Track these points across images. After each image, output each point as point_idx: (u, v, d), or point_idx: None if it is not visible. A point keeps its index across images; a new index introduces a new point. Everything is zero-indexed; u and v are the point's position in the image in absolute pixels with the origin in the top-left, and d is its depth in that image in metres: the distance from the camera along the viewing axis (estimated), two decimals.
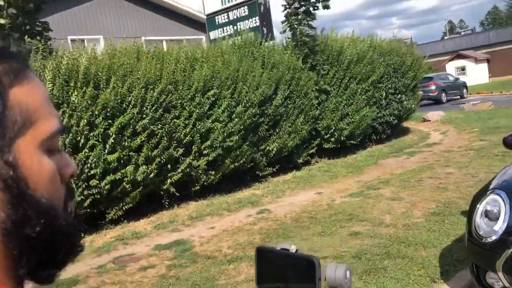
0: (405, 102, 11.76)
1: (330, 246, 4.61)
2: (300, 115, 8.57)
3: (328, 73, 9.41)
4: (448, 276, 3.62)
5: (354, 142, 9.99)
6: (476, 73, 40.72)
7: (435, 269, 3.75)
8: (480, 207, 3.03)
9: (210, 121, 6.99)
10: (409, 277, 3.65)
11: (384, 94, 10.95)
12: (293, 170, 8.79)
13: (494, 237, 2.84)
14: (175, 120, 6.63)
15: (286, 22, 9.23)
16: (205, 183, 7.22)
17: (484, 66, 42.45)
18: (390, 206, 5.78)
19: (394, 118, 11.50)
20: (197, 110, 6.85)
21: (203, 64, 7.20)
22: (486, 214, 2.97)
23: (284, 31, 9.27)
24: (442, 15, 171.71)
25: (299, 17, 9.12)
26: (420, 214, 5.31)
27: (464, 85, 27.07)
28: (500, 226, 2.85)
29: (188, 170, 6.84)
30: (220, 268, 4.42)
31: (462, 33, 54.78)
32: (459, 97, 25.75)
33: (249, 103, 7.45)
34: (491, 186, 3.22)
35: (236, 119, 7.26)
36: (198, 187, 7.20)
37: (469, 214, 3.16)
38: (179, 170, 6.73)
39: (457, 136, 11.37)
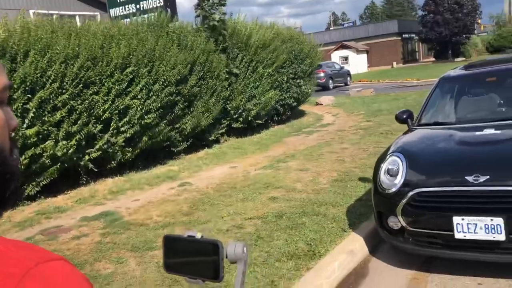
0: (303, 86, 12.80)
1: (253, 209, 5.19)
2: (212, 96, 9.01)
3: (237, 57, 9.95)
4: (355, 226, 4.40)
5: (260, 122, 10.74)
6: (357, 63, 44.62)
7: (344, 222, 4.52)
8: (384, 166, 3.81)
9: (128, 98, 7.12)
10: (325, 229, 4.37)
11: (285, 79, 11.82)
12: (204, 147, 9.22)
13: (394, 189, 3.62)
14: (94, 96, 6.66)
15: (199, 6, 9.52)
16: (121, 160, 7.35)
17: (364, 57, 46.60)
18: (299, 176, 6.55)
19: (293, 100, 12.49)
20: (116, 87, 6.94)
21: (119, 41, 7.27)
22: (388, 171, 3.75)
23: (198, 15, 9.55)
24: (326, 7, 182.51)
25: (211, 1, 9.48)
26: (325, 181, 6.14)
27: (348, 73, 29.67)
28: (399, 180, 3.63)
29: (105, 146, 6.93)
30: (156, 232, 4.72)
31: (345, 25, 59.15)
32: (344, 84, 28.13)
33: (166, 82, 7.70)
34: (389, 151, 4.03)
35: (154, 97, 7.48)
36: (115, 164, 7.31)
37: (374, 172, 3.94)
38: (97, 147, 6.79)
39: (347, 118, 12.75)
